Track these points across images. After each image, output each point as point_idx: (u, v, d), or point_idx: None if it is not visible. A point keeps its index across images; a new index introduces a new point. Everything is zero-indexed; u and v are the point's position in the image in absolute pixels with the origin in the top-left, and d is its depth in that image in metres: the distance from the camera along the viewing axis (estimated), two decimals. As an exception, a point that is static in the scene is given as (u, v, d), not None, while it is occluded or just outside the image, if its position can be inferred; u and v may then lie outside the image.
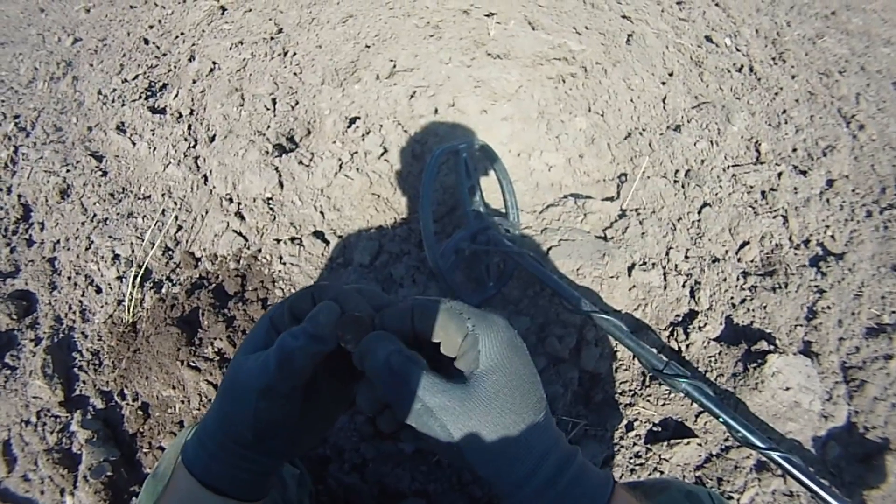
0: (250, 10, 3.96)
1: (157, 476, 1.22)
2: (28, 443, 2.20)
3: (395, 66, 2.87)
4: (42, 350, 2.26)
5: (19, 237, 2.80)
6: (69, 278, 2.44)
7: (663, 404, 1.97)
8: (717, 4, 3.89)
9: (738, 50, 3.55)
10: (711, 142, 2.79)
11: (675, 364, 1.63)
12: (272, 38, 3.37)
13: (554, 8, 3.24)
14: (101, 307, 2.32)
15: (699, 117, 2.88)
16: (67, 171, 2.91)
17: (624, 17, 3.37)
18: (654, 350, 2.10)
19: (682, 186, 2.57)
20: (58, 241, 2.59)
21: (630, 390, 2.03)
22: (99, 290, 2.37)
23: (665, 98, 3.01)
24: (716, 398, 1.56)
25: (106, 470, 1.92)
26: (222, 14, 4.22)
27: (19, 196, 3.12)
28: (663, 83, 3.08)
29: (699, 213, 2.51)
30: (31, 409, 2.25)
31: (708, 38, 3.52)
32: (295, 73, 3.03)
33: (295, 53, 3.16)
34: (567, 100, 2.84)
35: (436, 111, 2.72)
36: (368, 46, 3.04)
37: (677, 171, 2.66)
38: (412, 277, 2.16)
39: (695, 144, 2.75)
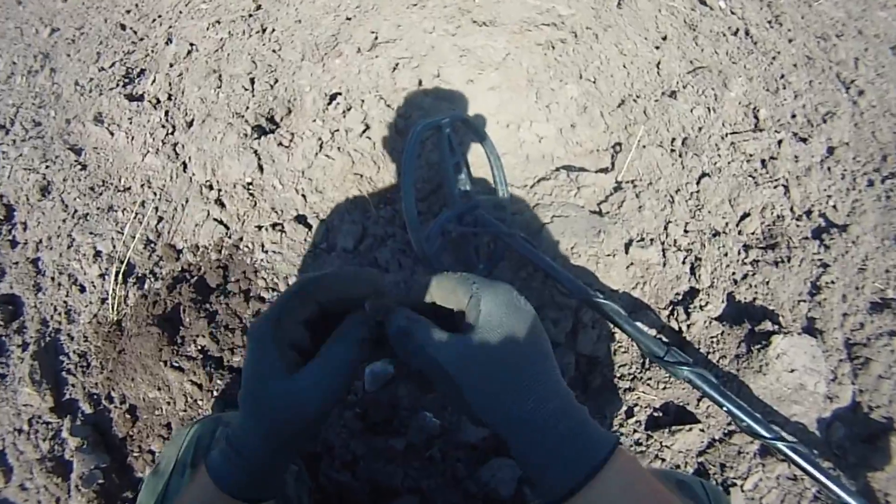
0: None
1: (159, 473, 1.21)
2: (22, 451, 2.17)
3: (376, 38, 2.78)
4: (30, 355, 2.21)
5: (3, 239, 2.73)
6: (53, 279, 2.38)
7: (664, 388, 1.92)
8: (710, -35, 3.74)
9: (732, 13, 3.43)
10: (708, 108, 2.71)
11: (676, 350, 1.58)
12: (250, 16, 3.28)
13: (542, -31, 3.11)
14: (86, 307, 2.27)
15: (695, 83, 2.80)
16: (47, 167, 2.84)
17: (615, -21, 3.24)
18: (654, 332, 2.06)
19: (680, 156, 2.50)
20: (40, 241, 2.53)
21: (629, 374, 1.98)
22: (83, 290, 2.32)
23: (659, 63, 2.91)
24: (719, 385, 1.51)
25: (97, 478, 1.89)
26: None
27: (1, 196, 3.06)
28: (657, 48, 2.98)
29: (698, 183, 2.44)
30: (22, 416, 2.21)
31: (702, 1, 3.40)
32: (274, 51, 2.94)
33: (273, 30, 3.07)
34: (557, 67, 2.74)
35: (420, 83, 2.63)
36: (349, 19, 2.95)
37: (674, 140, 2.59)
38: (398, 261, 2.09)
39: (691, 111, 2.68)
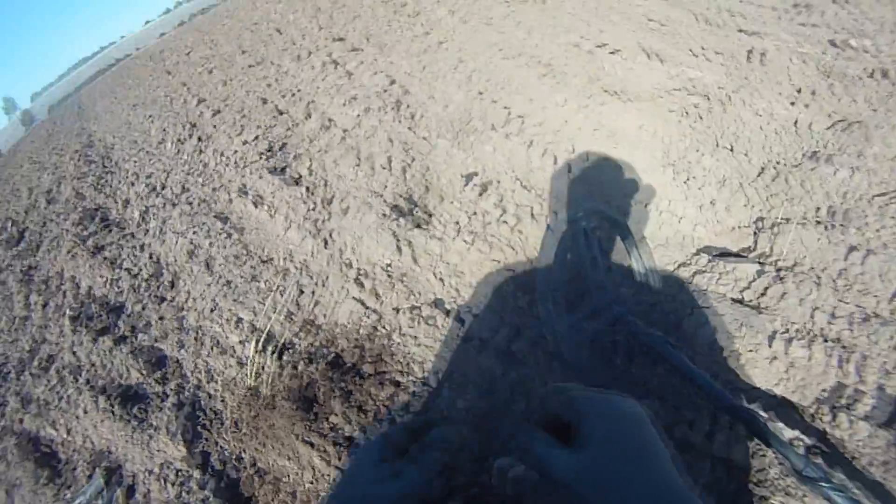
0: (362, 63, 4.21)
1: None
2: (150, 490, 2.40)
3: (509, 114, 2.88)
4: (168, 406, 2.48)
5: (151, 294, 3.10)
6: (196, 338, 2.66)
7: (804, 496, 1.86)
8: (833, 1, 3.53)
9: (865, 51, 3.25)
10: (852, 168, 2.58)
11: (816, 465, 1.54)
12: (385, 91, 3.54)
13: (666, 30, 3.15)
14: (226, 369, 2.50)
15: (835, 139, 2.65)
16: (194, 232, 3.21)
17: (740, 31, 3.22)
18: (796, 433, 1.99)
19: (825, 229, 2.35)
20: (186, 301, 2.84)
21: (768, 480, 1.92)
22: (223, 352, 2.56)
23: (796, 121, 2.72)
24: (859, 504, 1.46)
25: None
26: (335, 68, 4.52)
27: (150, 255, 3.46)
28: (791, 103, 2.82)
29: (845, 259, 2.29)
30: (155, 459, 2.45)
31: (832, 42, 3.17)
32: (409, 128, 3.14)
33: (408, 106, 3.26)
34: (692, 135, 2.71)
35: (555, 161, 2.66)
36: (481, 93, 3.10)
37: (818, 209, 2.43)
38: (533, 354, 2.16)
39: (834, 174, 2.52)
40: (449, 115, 3.10)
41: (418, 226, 2.59)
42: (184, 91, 7.41)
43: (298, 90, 4.55)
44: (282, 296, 2.60)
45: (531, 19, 3.45)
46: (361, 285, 2.51)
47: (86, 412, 2.83)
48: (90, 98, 16.61)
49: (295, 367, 2.32)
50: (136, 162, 5.32)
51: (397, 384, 2.14)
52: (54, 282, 4.43)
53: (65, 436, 3.11)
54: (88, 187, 5.72)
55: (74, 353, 3.29)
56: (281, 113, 4.33)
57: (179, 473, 2.36)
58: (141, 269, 3.40)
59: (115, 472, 2.61)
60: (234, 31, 11.08)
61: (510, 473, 1.00)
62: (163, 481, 2.38)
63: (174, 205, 3.68)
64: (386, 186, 2.87)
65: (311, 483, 2.05)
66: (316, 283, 2.63)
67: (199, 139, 4.67)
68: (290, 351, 2.44)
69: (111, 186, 5.30)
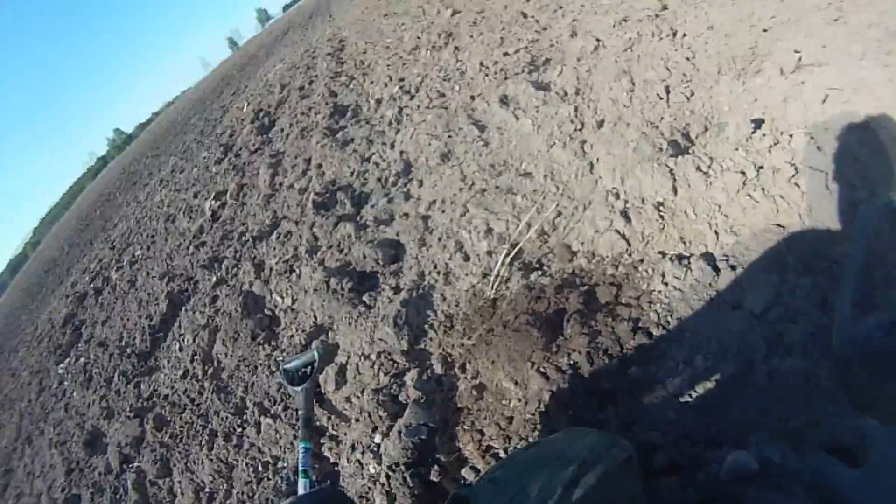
0: None
1: None
2: (361, 374, 2.51)
3: (800, 60, 2.52)
4: (400, 300, 2.54)
5: (398, 190, 3.21)
6: (439, 239, 2.69)
7: None
8: None
9: None
10: None
11: None
12: (657, 16, 3.25)
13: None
14: (466, 275, 2.49)
15: None
16: (449, 136, 3.24)
17: None
18: None
19: None
20: (433, 202, 2.89)
21: None
22: (467, 258, 2.55)
23: None
24: None
25: (422, 433, 2.06)
26: None
27: (402, 153, 3.59)
28: None
29: None
30: (374, 347, 2.55)
31: None
32: (687, 58, 2.84)
33: (685, 34, 2.97)
34: None
35: (856, 125, 2.33)
36: (766, 30, 2.72)
37: None
38: (805, 347, 1.87)
39: None
40: (731, 51, 2.78)
41: (698, 168, 2.34)
42: (437, 2, 7.59)
43: (560, 7, 4.39)
44: (539, 213, 2.50)
45: None
46: (627, 219, 2.32)
47: (315, 290, 3.03)
48: (340, 7, 17.93)
49: (543, 291, 2.22)
50: (389, 66, 5.56)
51: (650, 335, 1.95)
52: (300, 167, 4.85)
53: (289, 304, 3.39)
54: (340, 86, 6.14)
55: (314, 233, 3.55)
56: (544, 29, 4.21)
57: (396, 366, 2.42)
58: (390, 165, 3.54)
59: (331, 350, 2.77)
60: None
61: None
62: (377, 369, 2.46)
63: (429, 108, 3.75)
64: (662, 118, 2.64)
65: (532, 415, 1.96)
66: (576, 208, 2.48)
67: (456, 48, 4.72)
68: (539, 272, 2.34)
69: (363, 87, 5.62)
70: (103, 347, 5.80)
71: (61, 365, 6.81)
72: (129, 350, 5.04)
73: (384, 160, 3.70)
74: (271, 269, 3.82)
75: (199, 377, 3.63)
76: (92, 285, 8.59)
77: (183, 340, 4.18)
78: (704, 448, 1.57)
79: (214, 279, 4.46)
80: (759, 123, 2.46)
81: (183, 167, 10.49)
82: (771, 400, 1.61)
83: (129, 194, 15.52)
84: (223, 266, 4.52)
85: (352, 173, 3.93)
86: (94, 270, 9.59)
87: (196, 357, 3.79)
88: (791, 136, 2.35)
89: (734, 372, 1.69)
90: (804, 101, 2.44)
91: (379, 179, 3.56)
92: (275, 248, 3.97)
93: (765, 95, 2.54)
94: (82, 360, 6.13)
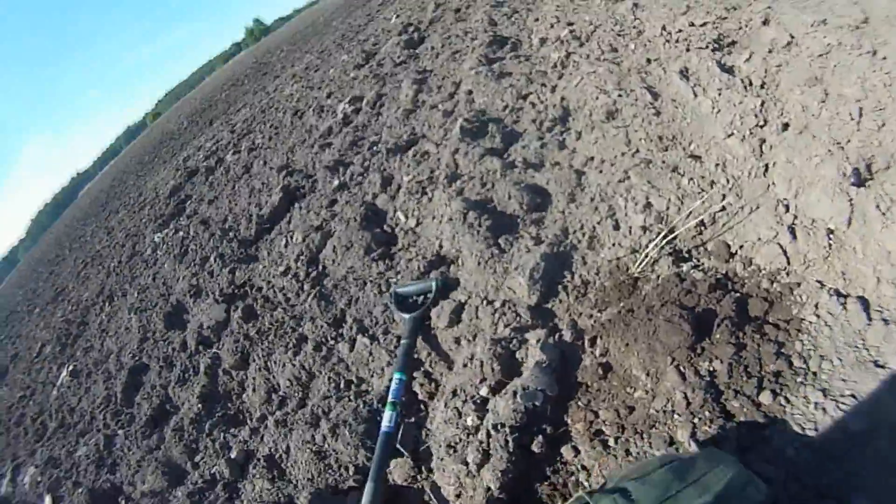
0: None
1: None
2: (480, 318, 2.51)
3: None
4: (540, 253, 2.51)
5: (553, 136, 3.14)
6: (592, 199, 2.63)
7: None
8: None
9: None
10: None
11: None
12: (857, 28, 2.99)
13: None
14: (612, 245, 2.44)
15: None
16: (619, 95, 3.11)
17: None
18: None
19: None
20: (591, 158, 2.81)
21: None
22: (617, 227, 2.49)
23: None
24: None
25: (537, 399, 2.04)
26: None
27: (562, 98, 3.50)
28: None
29: None
30: (500, 294, 2.55)
31: None
32: (885, 84, 2.61)
33: (885, 57, 2.74)
34: None
35: None
36: None
37: None
38: None
39: None
40: None
41: (878, 207, 2.17)
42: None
43: None
44: (703, 204, 2.40)
45: None
46: (794, 235, 2.20)
47: (449, 219, 3.03)
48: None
49: (695, 286, 2.15)
50: (558, 5, 5.38)
51: (790, 363, 1.88)
52: (447, 89, 4.82)
53: (412, 226, 3.43)
54: (502, 16, 6.02)
55: (455, 160, 3.55)
56: (734, 8, 3.93)
57: (519, 319, 2.41)
58: (547, 109, 3.47)
59: (452, 284, 2.80)
60: None
61: None
62: (497, 318, 2.46)
63: (599, 59, 3.62)
64: (850, 140, 2.44)
65: (658, 412, 1.93)
66: (742, 208, 2.38)
67: (635, 5, 4.49)
68: (691, 264, 2.27)
69: (525, 22, 5.49)
70: (205, 226, 6.11)
71: (158, 234, 7.26)
72: (231, 234, 5.27)
73: (542, 102, 3.62)
74: (400, 186, 3.85)
75: (301, 278, 3.74)
76: (205, 163, 9.01)
77: (291, 237, 4.32)
78: (811, 495, 1.56)
79: (337, 182, 4.55)
80: None
81: (318, 66, 10.69)
82: (889, 468, 1.55)
83: (257, 83, 16.06)
84: (348, 171, 4.60)
85: (504, 107, 3.87)
86: (210, 149, 10.05)
87: (301, 257, 3.90)
88: None
89: (862, 429, 1.63)
90: None
91: (534, 121, 3.49)
92: (409, 166, 4.00)
93: None
94: (181, 233, 6.51)
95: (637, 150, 2.75)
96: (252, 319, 3.73)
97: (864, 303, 1.96)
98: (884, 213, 2.17)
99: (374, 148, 4.69)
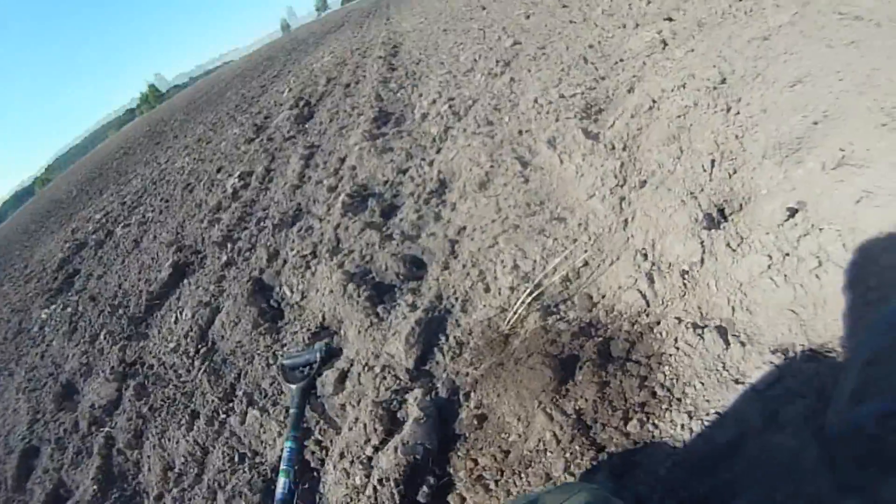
0: (692, 51, 4.01)
1: None
2: (362, 384, 2.59)
3: (843, 157, 2.64)
4: (415, 318, 2.63)
5: (429, 208, 3.31)
6: (464, 266, 2.78)
7: None
8: None
9: None
10: None
11: None
12: (715, 88, 3.37)
13: None
14: (484, 306, 2.58)
15: None
16: (491, 166, 3.35)
17: None
18: None
19: None
20: (464, 227, 2.99)
21: None
22: (488, 290, 2.64)
23: None
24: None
25: (417, 452, 2.14)
26: (664, 48, 4.38)
27: (439, 171, 3.71)
28: None
29: None
30: (380, 359, 2.63)
31: None
32: (736, 136, 2.93)
33: (738, 112, 3.08)
34: None
35: (884, 231, 2.46)
36: (816, 123, 2.81)
37: None
38: (798, 427, 1.96)
39: None
40: (779, 137, 2.88)
41: (728, 245, 2.47)
42: (498, 29, 7.78)
43: (622, 60, 4.52)
44: (567, 260, 2.61)
45: (878, 48, 3.06)
46: (651, 280, 2.43)
47: (331, 291, 3.12)
48: (399, 12, 18.28)
49: (559, 336, 2.32)
50: (441, 82, 5.72)
51: (654, 395, 2.06)
52: (333, 165, 4.99)
53: (298, 300, 3.49)
54: (388, 92, 6.32)
55: (337, 234, 3.67)
56: (602, 78, 4.34)
57: (399, 382, 2.51)
58: (425, 182, 3.66)
59: (335, 353, 2.87)
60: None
61: None
62: (378, 382, 2.55)
63: (475, 133, 3.88)
64: (703, 189, 2.74)
65: (532, 453, 2.06)
66: (604, 261, 2.60)
67: (512, 79, 4.86)
68: (557, 316, 2.44)
69: (410, 98, 5.78)
70: (94, 302, 5.91)
71: (46, 310, 6.90)
72: (121, 311, 5.14)
73: (420, 175, 3.82)
74: (286, 261, 3.92)
75: (191, 354, 3.71)
76: (94, 236, 8.75)
77: (180, 314, 4.28)
78: (691, 505, 1.66)
79: (224, 258, 4.56)
80: (793, 212, 2.57)
81: (211, 138, 10.71)
82: (760, 471, 1.70)
83: (150, 153, 15.82)
84: (236, 247, 4.63)
85: (385, 182, 4.05)
86: (99, 221, 9.76)
87: (191, 333, 3.88)
88: (821, 229, 2.45)
89: (728, 440, 1.78)
90: (839, 199, 2.55)
91: (412, 194, 3.68)
92: (294, 241, 4.09)
93: (803, 187, 2.65)
94: (69, 309, 6.24)
95: (507, 217, 2.95)
96: (144, 397, 3.63)
97: (721, 330, 2.18)
98: (734, 250, 2.41)
99: (262, 223, 4.76)
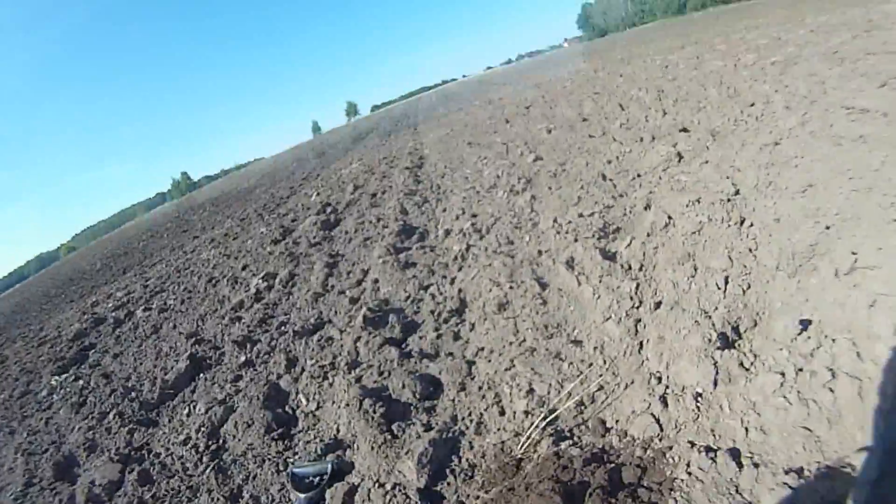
0: (707, 162, 4.18)
1: None
2: (372, 501, 2.58)
3: (856, 261, 2.65)
4: (429, 438, 2.67)
5: (448, 327, 3.41)
6: (480, 388, 2.84)
7: None
8: None
9: None
10: None
11: None
12: (728, 200, 3.46)
13: None
14: (498, 430, 2.62)
15: None
16: (510, 287, 3.46)
17: None
18: None
19: None
20: (481, 349, 3.07)
21: None
22: (502, 413, 2.69)
23: None
24: None
25: None
26: (679, 161, 4.57)
27: (460, 290, 3.84)
28: None
29: None
30: (391, 477, 2.65)
31: None
32: (750, 249, 3.06)
33: (751, 224, 3.16)
34: None
35: None
36: (828, 227, 2.84)
37: None
38: None
39: None
40: (793, 246, 2.94)
41: (741, 364, 2.49)
42: (521, 144, 8.14)
43: (639, 175, 4.71)
44: (581, 384, 2.67)
45: (886, 140, 3.17)
46: (665, 404, 2.48)
47: (347, 405, 3.18)
48: (426, 123, 19.09)
49: (571, 462, 2.35)
50: (464, 198, 5.96)
51: None
52: (356, 276, 5.15)
53: (313, 409, 3.54)
54: (413, 205, 6.59)
55: (356, 347, 3.77)
56: (620, 195, 4.50)
57: (409, 501, 2.51)
58: (446, 301, 3.78)
59: (346, 468, 2.89)
60: (574, 95, 11.87)
61: None
62: (388, 499, 2.55)
63: (496, 252, 4.03)
64: (717, 308, 2.80)
65: (537, 578, 2.05)
66: (618, 385, 2.65)
67: (533, 197, 5.05)
68: (570, 442, 2.48)
69: (434, 212, 6.02)
70: (107, 379, 5.94)
71: (56, 377, 6.91)
72: (133, 394, 5.15)
73: (441, 294, 3.95)
74: (304, 369, 3.99)
75: (200, 449, 3.70)
76: (114, 314, 8.86)
77: (194, 407, 4.29)
78: None
79: (243, 359, 4.62)
80: (806, 325, 2.60)
81: (237, 234, 11.05)
82: None
83: (176, 240, 16.26)
84: (255, 349, 4.71)
85: (407, 298, 4.18)
86: (121, 300, 9.92)
87: (203, 429, 3.88)
88: (834, 340, 2.46)
89: None
90: (852, 306, 2.56)
91: (432, 312, 3.79)
92: (313, 349, 4.17)
93: (816, 296, 2.69)
94: (80, 382, 6.24)
95: (524, 340, 3.03)
96: (148, 484, 3.60)
97: (734, 452, 2.19)
98: (747, 369, 2.44)
99: (283, 328, 4.86)
